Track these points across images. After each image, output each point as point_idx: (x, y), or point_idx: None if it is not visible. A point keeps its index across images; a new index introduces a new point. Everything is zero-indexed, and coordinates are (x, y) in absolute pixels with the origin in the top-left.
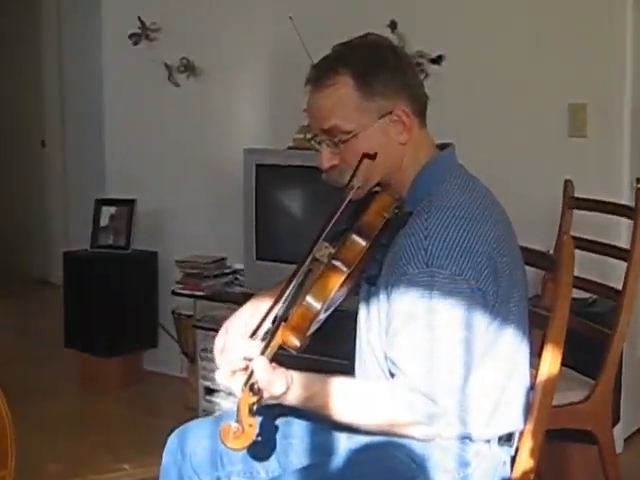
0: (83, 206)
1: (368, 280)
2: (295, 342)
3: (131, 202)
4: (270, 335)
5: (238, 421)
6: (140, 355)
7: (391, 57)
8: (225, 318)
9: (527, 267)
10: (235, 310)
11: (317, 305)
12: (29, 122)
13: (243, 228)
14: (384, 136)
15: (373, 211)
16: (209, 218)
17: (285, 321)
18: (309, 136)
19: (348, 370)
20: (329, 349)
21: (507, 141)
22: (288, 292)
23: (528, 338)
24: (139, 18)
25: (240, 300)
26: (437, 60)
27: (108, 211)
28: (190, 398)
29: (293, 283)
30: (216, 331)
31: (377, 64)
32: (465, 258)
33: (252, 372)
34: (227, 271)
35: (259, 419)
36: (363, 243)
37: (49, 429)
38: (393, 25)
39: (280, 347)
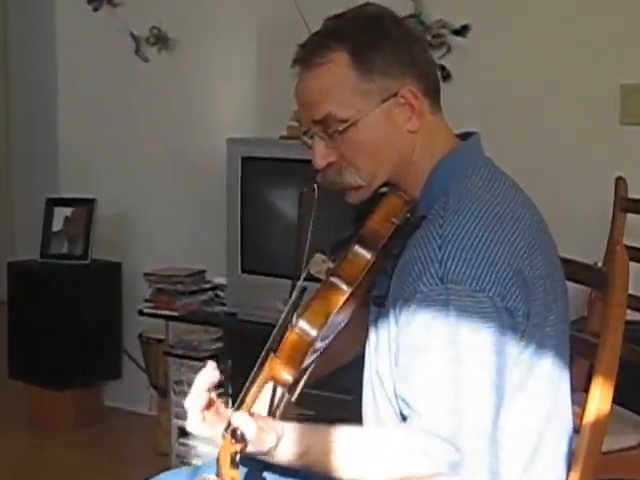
0: (32, 206)
1: (376, 300)
2: (286, 377)
3: (90, 202)
4: (256, 369)
5: (218, 474)
6: (100, 388)
7: (393, 29)
8: (204, 343)
9: (570, 283)
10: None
11: (312, 332)
12: None
13: (226, 234)
14: (389, 123)
15: (379, 216)
16: (185, 222)
17: (274, 352)
18: (303, 129)
19: (353, 406)
20: (330, 382)
21: (545, 130)
22: (282, 318)
23: (569, 370)
24: None
25: (222, 322)
26: (461, 31)
27: (62, 213)
28: (161, 441)
29: (287, 308)
30: (193, 359)
31: (377, 37)
32: (487, 271)
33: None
34: (206, 286)
35: (244, 471)
36: (367, 255)
37: None
38: None
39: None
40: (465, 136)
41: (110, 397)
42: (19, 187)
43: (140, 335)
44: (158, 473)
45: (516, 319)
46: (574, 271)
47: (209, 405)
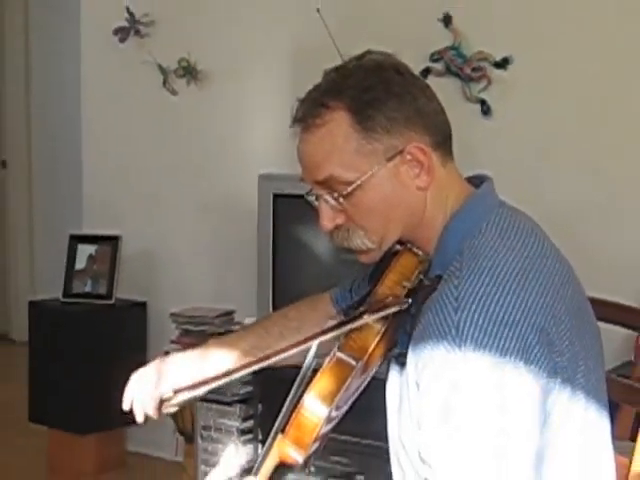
0: (54, 243)
1: (398, 359)
2: (296, 458)
3: (115, 239)
4: (264, 452)
5: None
6: (123, 433)
7: (396, 79)
8: (233, 387)
9: (614, 327)
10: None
11: (321, 411)
12: None
13: (257, 274)
14: (396, 182)
15: (391, 280)
16: (213, 260)
17: (282, 432)
18: (305, 191)
19: (386, 455)
20: (361, 428)
21: (590, 167)
22: (294, 388)
23: (607, 418)
24: (127, 9)
25: None
26: (502, 64)
27: (86, 250)
28: None
29: (300, 375)
30: (222, 404)
31: (379, 92)
32: (508, 335)
33: None
34: (236, 328)
35: None
36: (378, 325)
37: None
38: (447, 19)
39: (280, 465)
40: (477, 180)
41: (133, 442)
42: (41, 223)
43: None
44: None
45: (541, 379)
46: (619, 314)
47: None
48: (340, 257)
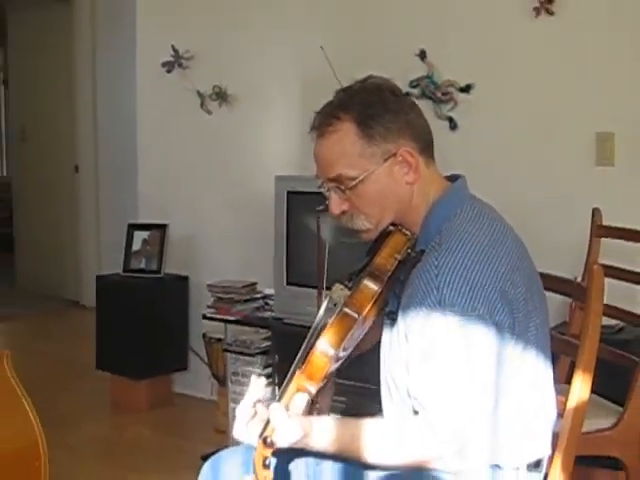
0: (116, 230)
1: (389, 315)
2: (310, 389)
3: (163, 227)
4: (286, 382)
5: (254, 472)
6: (170, 378)
7: (392, 99)
8: (255, 342)
9: (554, 295)
10: (265, 334)
11: (330, 351)
12: (63, 148)
13: (274, 254)
14: (391, 178)
15: (385, 253)
16: (240, 244)
17: (300, 369)
18: (318, 184)
19: (378, 394)
20: (356, 374)
21: (535, 170)
22: (307, 338)
23: (551, 365)
24: (172, 46)
25: (270, 325)
26: (466, 89)
27: (140, 236)
28: (220, 421)
29: (312, 328)
30: (246, 355)
31: (378, 107)
32: (477, 295)
33: (267, 423)
34: (257, 296)
35: (280, 466)
36: (375, 287)
37: (81, 453)
38: (422, 54)
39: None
40: (454, 177)
41: (178, 385)
42: (106, 215)
43: (204, 335)
44: (218, 447)
45: (502, 329)
46: (559, 285)
47: (253, 416)
48: (340, 241)
